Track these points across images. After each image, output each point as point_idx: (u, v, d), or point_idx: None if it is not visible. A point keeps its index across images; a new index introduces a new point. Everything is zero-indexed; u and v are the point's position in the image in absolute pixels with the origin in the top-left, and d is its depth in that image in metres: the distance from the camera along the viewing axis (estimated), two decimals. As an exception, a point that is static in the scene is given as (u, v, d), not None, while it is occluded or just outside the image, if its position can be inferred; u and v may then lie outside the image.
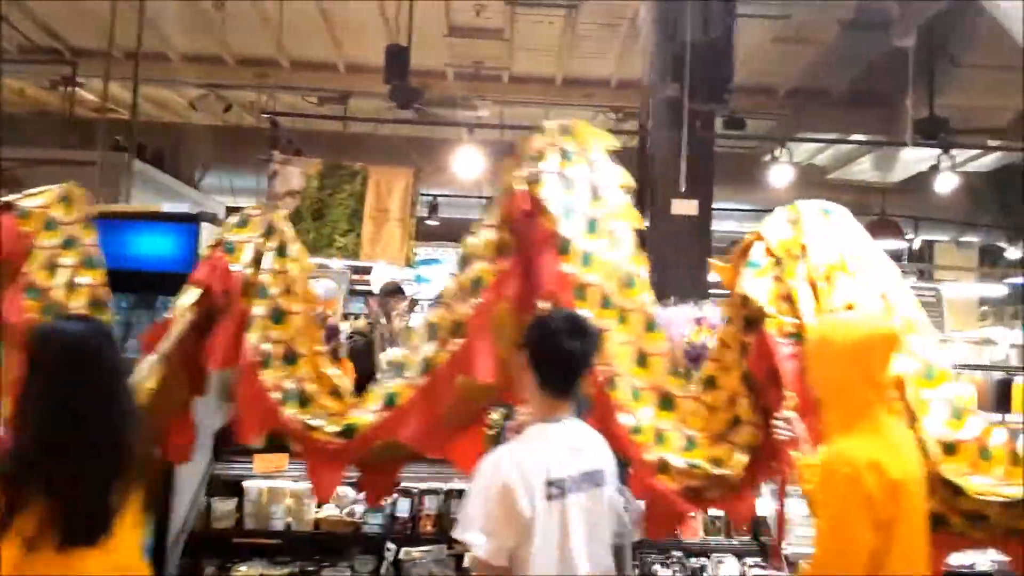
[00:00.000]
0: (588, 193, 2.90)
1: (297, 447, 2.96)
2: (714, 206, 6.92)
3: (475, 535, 2.10)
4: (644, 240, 3.03)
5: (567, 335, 2.26)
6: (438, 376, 2.77)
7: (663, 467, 2.64)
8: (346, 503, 4.12)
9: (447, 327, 2.83)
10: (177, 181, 8.90)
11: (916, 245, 10.43)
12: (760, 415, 2.72)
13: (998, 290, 12.92)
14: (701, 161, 6.38)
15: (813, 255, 2.65)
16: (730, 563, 4.07)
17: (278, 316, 2.89)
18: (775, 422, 2.50)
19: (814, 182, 10.33)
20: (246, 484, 4.13)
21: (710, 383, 2.88)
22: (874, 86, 8.25)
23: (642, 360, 2.79)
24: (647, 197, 6.71)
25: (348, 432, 2.83)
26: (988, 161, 10.14)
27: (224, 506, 4.09)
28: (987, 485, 2.36)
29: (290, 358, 2.91)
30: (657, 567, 3.99)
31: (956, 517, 2.41)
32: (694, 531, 4.17)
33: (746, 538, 4.19)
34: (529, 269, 2.75)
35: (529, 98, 9.99)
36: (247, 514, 4.11)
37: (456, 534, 2.18)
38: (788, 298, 2.63)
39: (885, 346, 2.19)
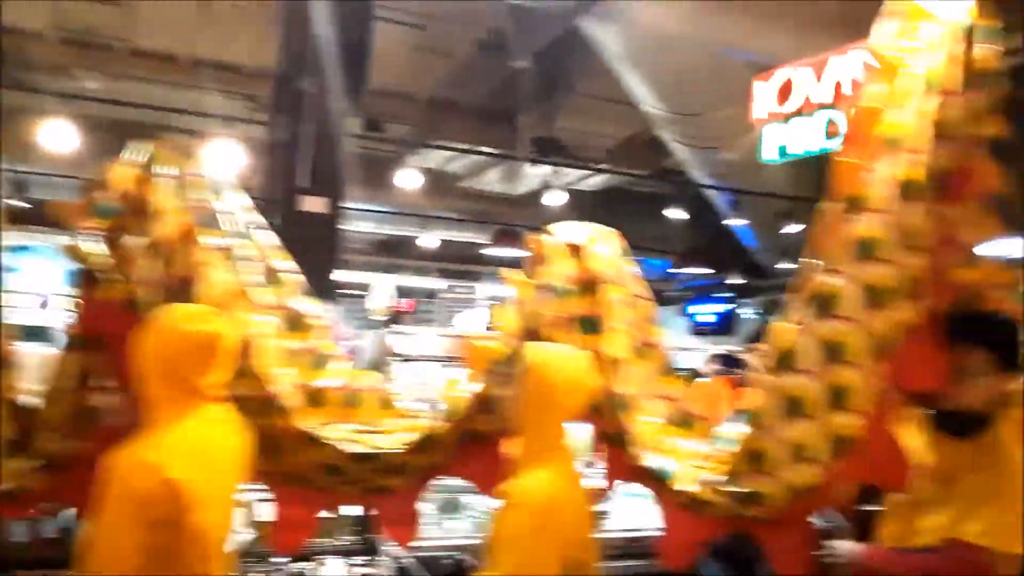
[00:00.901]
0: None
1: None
2: (349, 206, 6.81)
3: None
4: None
5: None
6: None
7: None
8: None
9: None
10: None
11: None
12: None
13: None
14: (332, 159, 6.23)
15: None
16: (334, 564, 3.93)
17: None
18: None
19: (447, 189, 10.73)
20: None
21: None
22: (503, 103, 8.76)
23: None
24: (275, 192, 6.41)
25: None
26: (596, 181, 11.31)
27: None
28: (346, 433, 2.29)
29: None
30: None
31: (318, 473, 2.28)
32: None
33: (353, 537, 4.08)
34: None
35: (151, 75, 9.08)
36: None
37: None
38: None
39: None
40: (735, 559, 4.12)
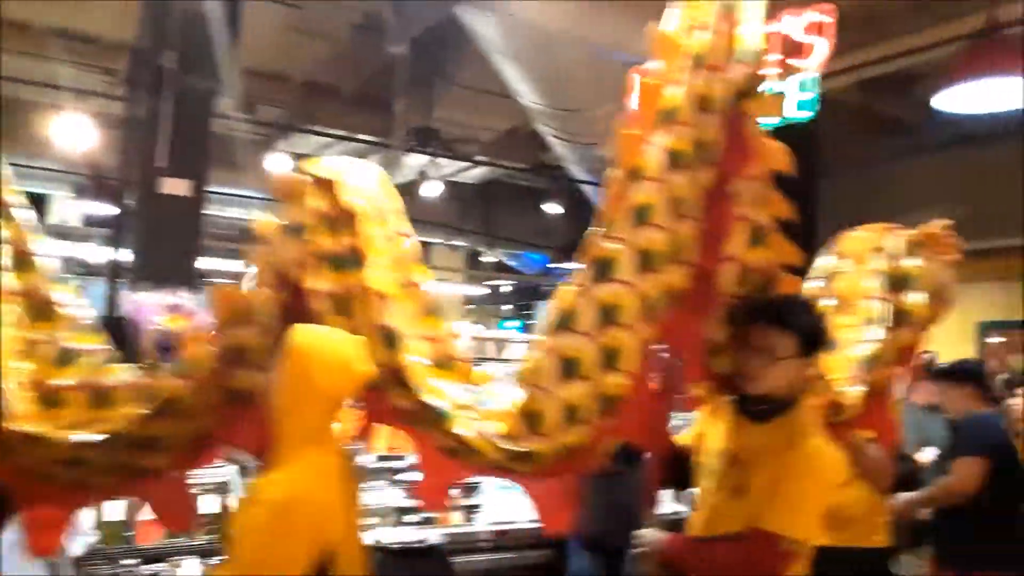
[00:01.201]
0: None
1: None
2: (214, 190, 6.51)
3: None
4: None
5: None
6: None
7: None
8: None
9: None
10: None
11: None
12: None
13: (480, 291, 14.56)
14: (195, 140, 5.92)
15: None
16: (190, 564, 3.75)
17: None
18: None
19: (322, 176, 10.45)
20: None
21: None
22: (380, 90, 8.58)
23: None
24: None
25: None
26: (476, 174, 11.28)
27: None
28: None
29: None
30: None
31: (59, 469, 2.10)
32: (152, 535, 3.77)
33: (211, 536, 3.90)
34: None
35: (2, 44, 8.39)
36: None
37: None
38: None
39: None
40: (604, 549, 4.18)
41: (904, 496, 3.86)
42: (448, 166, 9.83)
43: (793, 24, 4.06)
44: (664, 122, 2.04)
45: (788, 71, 4.22)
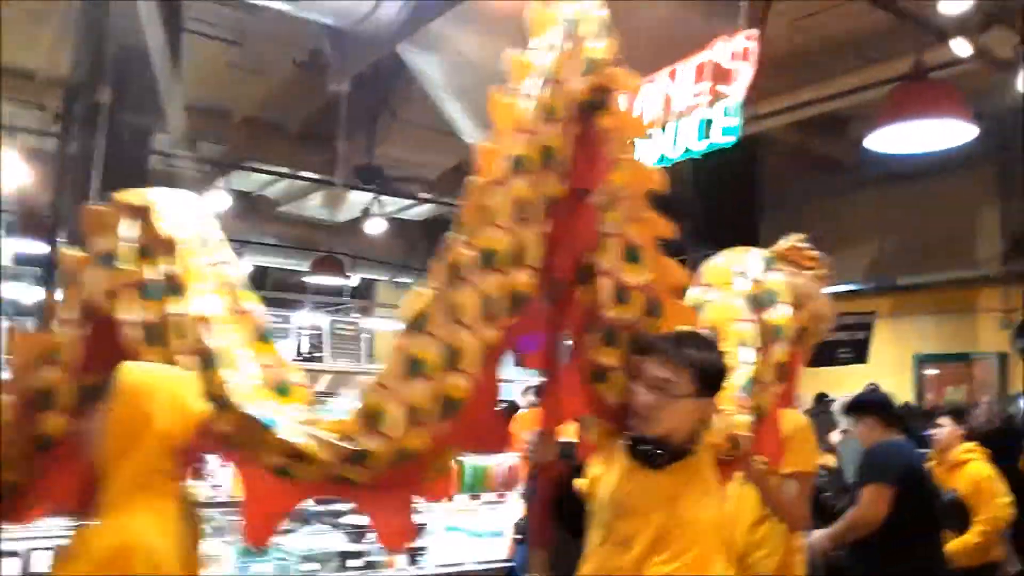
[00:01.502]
0: None
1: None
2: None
3: None
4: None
5: None
6: None
7: None
8: None
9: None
10: None
11: (355, 282, 11.06)
12: None
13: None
14: (132, 177, 5.77)
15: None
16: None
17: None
18: None
19: (265, 214, 10.31)
20: None
21: None
22: (324, 127, 8.54)
23: None
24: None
25: None
26: (421, 211, 11.25)
27: None
28: None
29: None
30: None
31: None
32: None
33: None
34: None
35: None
36: None
37: None
38: None
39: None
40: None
41: (817, 533, 3.85)
42: (393, 203, 9.78)
43: (722, 51, 4.19)
44: (513, 131, 2.14)
45: (717, 97, 4.35)
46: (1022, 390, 9.28)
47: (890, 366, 10.30)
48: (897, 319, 10.80)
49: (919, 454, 4.42)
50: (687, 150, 4.80)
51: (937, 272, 10.32)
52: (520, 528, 4.43)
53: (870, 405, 4.29)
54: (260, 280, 12.95)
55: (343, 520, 4.37)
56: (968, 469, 4.88)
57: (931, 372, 10.99)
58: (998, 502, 4.77)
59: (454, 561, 4.42)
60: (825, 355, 8.98)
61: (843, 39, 6.53)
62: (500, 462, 5.01)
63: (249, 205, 10.23)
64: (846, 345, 9.05)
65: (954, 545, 4.53)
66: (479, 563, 4.27)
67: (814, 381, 10.36)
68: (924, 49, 4.83)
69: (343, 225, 10.83)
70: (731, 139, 4.44)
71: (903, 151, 4.94)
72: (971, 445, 5.03)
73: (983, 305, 10.36)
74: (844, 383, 9.72)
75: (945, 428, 5.01)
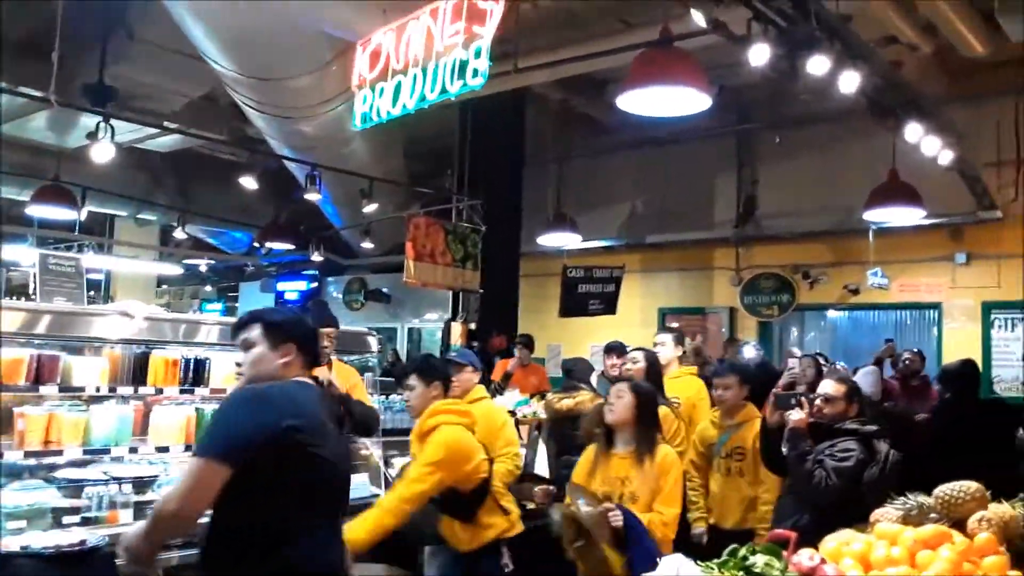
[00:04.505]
0: None
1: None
2: None
3: None
4: None
5: None
6: None
7: None
8: None
9: None
10: None
11: (83, 216, 9.89)
12: None
13: (174, 269, 13.40)
14: None
15: None
16: None
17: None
18: None
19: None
20: None
21: None
22: (47, 40, 7.45)
23: None
24: None
25: None
26: (167, 142, 10.26)
27: None
28: None
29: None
30: None
31: None
32: None
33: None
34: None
35: None
36: None
37: None
38: None
39: None
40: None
41: None
42: (132, 131, 8.80)
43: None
44: None
45: (472, 38, 4.32)
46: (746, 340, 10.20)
47: (638, 317, 10.94)
48: (645, 275, 11.46)
49: None
50: (443, 91, 4.74)
51: (681, 232, 11.04)
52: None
53: None
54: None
55: (57, 474, 3.89)
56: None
57: (672, 325, 11.82)
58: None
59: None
60: (578, 306, 9.34)
61: (606, 2, 6.63)
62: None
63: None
64: (596, 297, 9.43)
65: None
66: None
67: (568, 330, 10.83)
68: (672, 18, 4.95)
69: (74, 152, 9.62)
70: (480, 81, 4.44)
71: (648, 114, 5.09)
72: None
73: (718, 263, 11.22)
74: (596, 334, 10.22)
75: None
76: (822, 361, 6.67)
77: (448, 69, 4.63)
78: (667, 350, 5.46)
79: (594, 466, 3.81)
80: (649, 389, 4.04)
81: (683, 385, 5.30)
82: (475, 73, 4.41)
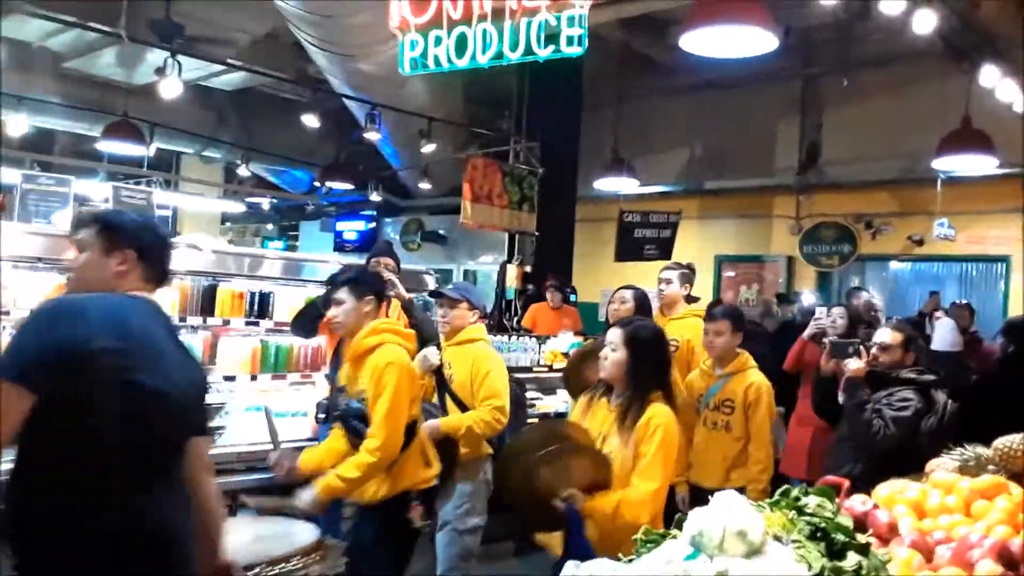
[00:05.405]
0: None
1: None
2: None
3: None
4: None
5: None
6: None
7: None
8: None
9: None
10: None
11: (151, 152, 10.13)
12: None
13: (238, 207, 13.68)
14: None
15: None
16: None
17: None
18: None
19: (46, 69, 9.20)
20: None
21: None
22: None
23: None
24: None
25: None
26: (232, 79, 10.40)
27: None
28: None
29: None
30: None
31: None
32: None
33: None
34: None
35: None
36: None
37: None
38: None
39: None
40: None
41: None
42: (198, 68, 8.94)
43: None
44: None
45: (560, 5, 4.20)
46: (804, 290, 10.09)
47: (695, 264, 10.85)
48: (702, 221, 11.34)
49: None
50: (530, 52, 4.58)
51: (740, 178, 10.86)
52: (322, 408, 4.32)
53: None
54: (46, 144, 11.67)
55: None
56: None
57: (728, 273, 11.72)
58: None
59: (254, 440, 4.26)
60: (633, 251, 9.32)
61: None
62: (305, 344, 4.87)
63: (26, 57, 9.05)
64: (652, 243, 9.39)
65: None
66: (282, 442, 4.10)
67: (623, 276, 10.78)
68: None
69: (141, 88, 9.81)
70: (579, 50, 4.30)
71: (711, 55, 4.99)
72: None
73: (778, 211, 11.04)
74: (651, 279, 10.11)
75: None
76: (876, 307, 6.42)
77: (532, 30, 4.42)
78: (673, 288, 4.95)
79: (585, 411, 3.21)
80: (647, 338, 3.11)
81: (685, 327, 4.73)
82: (570, 41, 4.24)
